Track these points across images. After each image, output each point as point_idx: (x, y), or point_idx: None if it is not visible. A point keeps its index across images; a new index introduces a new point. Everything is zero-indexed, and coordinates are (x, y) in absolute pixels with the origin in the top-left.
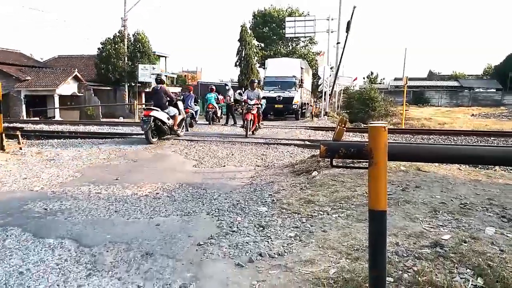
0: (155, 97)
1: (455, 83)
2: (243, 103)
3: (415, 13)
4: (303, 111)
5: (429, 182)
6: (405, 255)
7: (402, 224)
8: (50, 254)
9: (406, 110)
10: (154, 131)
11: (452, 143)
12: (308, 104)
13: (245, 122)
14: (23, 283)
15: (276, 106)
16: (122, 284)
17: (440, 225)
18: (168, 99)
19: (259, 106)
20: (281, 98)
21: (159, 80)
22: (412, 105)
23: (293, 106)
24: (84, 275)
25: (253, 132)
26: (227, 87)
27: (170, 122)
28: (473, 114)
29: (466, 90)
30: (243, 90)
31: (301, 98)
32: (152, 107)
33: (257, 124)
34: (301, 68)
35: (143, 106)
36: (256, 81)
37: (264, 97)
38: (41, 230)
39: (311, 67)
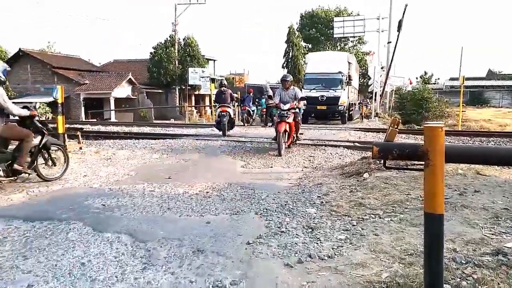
0: (223, 98)
1: None
2: (274, 109)
3: (471, 10)
4: (350, 113)
5: (490, 187)
6: (464, 262)
7: (460, 229)
8: (109, 248)
9: (463, 111)
10: (228, 123)
11: None
12: (355, 104)
13: (277, 135)
14: (85, 273)
15: (318, 107)
16: (175, 279)
17: (503, 232)
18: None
19: (297, 111)
20: (325, 98)
21: (224, 84)
22: (470, 106)
23: (339, 107)
24: (140, 269)
25: (289, 146)
26: (265, 88)
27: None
28: None
29: None
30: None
31: (348, 98)
32: (225, 105)
33: (294, 136)
34: (349, 62)
35: (216, 105)
36: (290, 77)
37: (303, 98)
38: (100, 225)
39: (361, 67)
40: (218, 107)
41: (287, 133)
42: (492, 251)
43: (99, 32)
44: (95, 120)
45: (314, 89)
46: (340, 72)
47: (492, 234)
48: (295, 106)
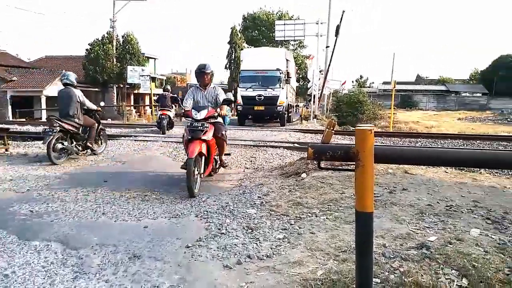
0: (164, 101)
1: (443, 87)
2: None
3: (403, 17)
4: (289, 114)
5: (416, 185)
6: (392, 256)
7: (389, 226)
8: (36, 257)
9: (394, 114)
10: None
11: (439, 146)
12: (293, 106)
13: (187, 162)
14: (8, 286)
15: (255, 108)
16: (109, 287)
17: (427, 227)
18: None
19: (220, 120)
20: (262, 97)
21: (167, 88)
22: (400, 108)
23: (278, 108)
24: (70, 278)
25: (210, 174)
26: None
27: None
28: (459, 118)
29: (453, 94)
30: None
31: (287, 98)
32: (166, 108)
33: (216, 159)
34: (286, 59)
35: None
36: (210, 68)
37: (228, 100)
38: (27, 233)
39: (301, 70)
40: (159, 110)
41: (203, 157)
42: (417, 245)
43: (29, 26)
44: (24, 119)
45: (250, 87)
46: (278, 69)
47: (417, 229)
48: (217, 114)
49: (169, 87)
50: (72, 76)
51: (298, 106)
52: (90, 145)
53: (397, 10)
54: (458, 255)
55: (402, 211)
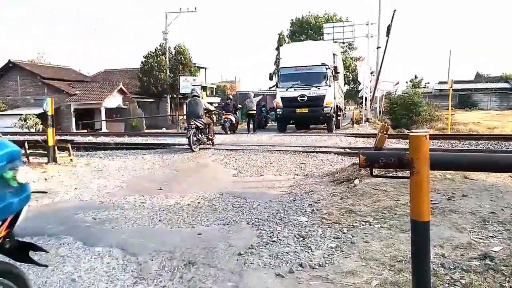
0: (227, 107)
1: (506, 85)
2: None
3: (459, 13)
4: (338, 118)
5: (477, 191)
6: (452, 267)
7: (448, 234)
8: (100, 262)
9: (452, 115)
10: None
11: (503, 149)
12: (342, 109)
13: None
14: None
15: (298, 111)
16: None
17: (490, 236)
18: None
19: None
20: (306, 98)
21: (229, 97)
22: (459, 109)
23: (325, 109)
24: (131, 283)
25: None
26: (249, 97)
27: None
28: None
29: None
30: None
31: (335, 98)
32: (228, 113)
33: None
34: (333, 54)
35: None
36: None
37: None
38: (91, 239)
39: (351, 72)
40: (223, 115)
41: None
42: (479, 256)
43: (90, 42)
44: (86, 131)
45: (291, 87)
46: (324, 64)
47: (480, 238)
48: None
49: (231, 96)
50: (198, 91)
51: (345, 109)
52: (211, 137)
53: (452, 4)
54: None
55: (462, 219)
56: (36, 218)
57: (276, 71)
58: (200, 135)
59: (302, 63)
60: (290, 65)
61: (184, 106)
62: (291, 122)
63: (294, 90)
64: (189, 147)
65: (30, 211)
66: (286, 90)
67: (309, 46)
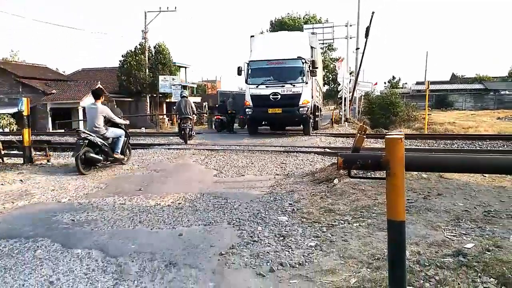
0: (222, 107)
1: (480, 86)
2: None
3: (435, 16)
4: (316, 119)
5: (452, 190)
6: (427, 264)
7: (424, 232)
8: (79, 264)
9: (428, 115)
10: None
11: (477, 148)
12: (320, 109)
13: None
14: None
15: (270, 111)
16: None
17: (463, 234)
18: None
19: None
20: (279, 96)
21: (185, 95)
22: (435, 109)
23: (301, 109)
24: (111, 285)
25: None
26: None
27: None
28: (499, 118)
29: (491, 93)
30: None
31: (312, 97)
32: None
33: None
34: (311, 47)
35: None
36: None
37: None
38: (69, 241)
39: (330, 73)
40: (214, 116)
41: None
42: (453, 252)
43: (67, 40)
44: (63, 130)
45: (262, 83)
46: (300, 58)
47: (454, 235)
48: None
49: (186, 93)
50: (186, 93)
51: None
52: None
53: (429, 7)
54: (497, 263)
55: (437, 217)
56: (11, 220)
57: (245, 64)
58: (192, 132)
59: (275, 56)
60: (261, 58)
61: (164, 106)
62: (263, 123)
63: (266, 87)
64: (183, 141)
65: (4, 213)
66: (257, 87)
67: (284, 37)
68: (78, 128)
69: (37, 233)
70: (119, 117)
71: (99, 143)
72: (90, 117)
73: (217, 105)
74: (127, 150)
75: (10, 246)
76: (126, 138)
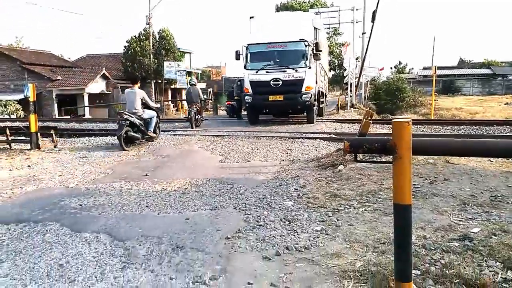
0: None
1: (488, 71)
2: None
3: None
4: (321, 105)
5: (458, 175)
6: (433, 248)
7: (430, 217)
8: (87, 248)
9: (435, 100)
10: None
11: (484, 134)
12: (326, 95)
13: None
14: (63, 274)
15: (271, 98)
16: (155, 276)
17: (469, 218)
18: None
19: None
20: (280, 82)
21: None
22: (442, 94)
23: (304, 96)
24: (119, 268)
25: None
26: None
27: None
28: (507, 103)
29: (499, 78)
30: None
31: (316, 82)
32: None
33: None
34: (315, 28)
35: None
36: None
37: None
38: (78, 225)
39: (336, 58)
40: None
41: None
42: (459, 237)
43: (71, 26)
44: (68, 116)
45: (262, 68)
46: (302, 40)
47: (460, 220)
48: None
49: (195, 80)
50: (194, 80)
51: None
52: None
53: None
54: (503, 247)
55: (444, 202)
56: (20, 205)
57: (244, 48)
58: (197, 116)
59: (276, 39)
60: (260, 41)
61: (169, 92)
62: (264, 111)
63: (266, 72)
64: (190, 126)
65: (13, 198)
66: (256, 72)
67: (285, 18)
68: (120, 110)
69: (46, 218)
70: (151, 101)
71: (137, 123)
72: (130, 100)
73: (219, 92)
74: (158, 129)
75: (20, 230)
76: (157, 119)
